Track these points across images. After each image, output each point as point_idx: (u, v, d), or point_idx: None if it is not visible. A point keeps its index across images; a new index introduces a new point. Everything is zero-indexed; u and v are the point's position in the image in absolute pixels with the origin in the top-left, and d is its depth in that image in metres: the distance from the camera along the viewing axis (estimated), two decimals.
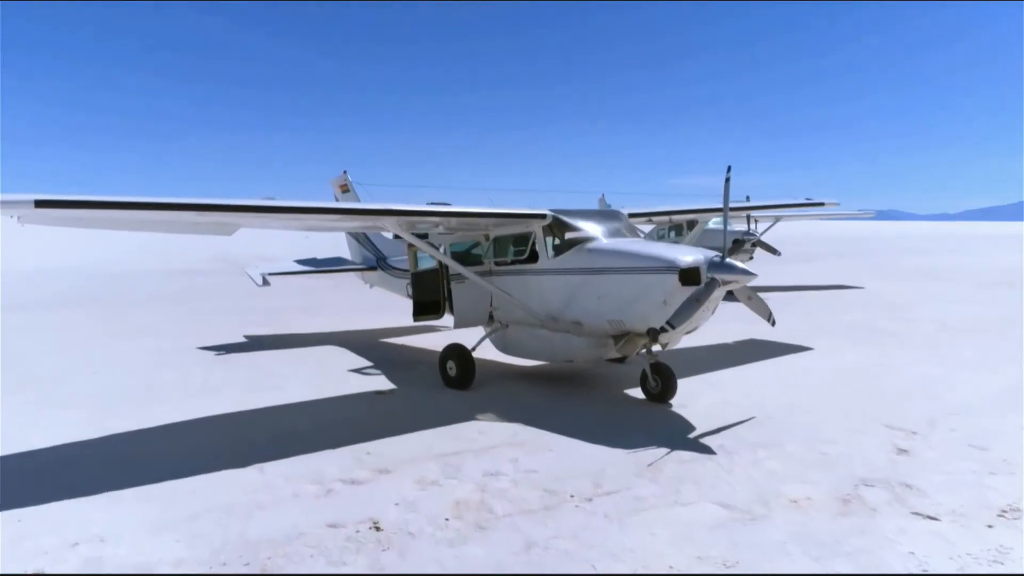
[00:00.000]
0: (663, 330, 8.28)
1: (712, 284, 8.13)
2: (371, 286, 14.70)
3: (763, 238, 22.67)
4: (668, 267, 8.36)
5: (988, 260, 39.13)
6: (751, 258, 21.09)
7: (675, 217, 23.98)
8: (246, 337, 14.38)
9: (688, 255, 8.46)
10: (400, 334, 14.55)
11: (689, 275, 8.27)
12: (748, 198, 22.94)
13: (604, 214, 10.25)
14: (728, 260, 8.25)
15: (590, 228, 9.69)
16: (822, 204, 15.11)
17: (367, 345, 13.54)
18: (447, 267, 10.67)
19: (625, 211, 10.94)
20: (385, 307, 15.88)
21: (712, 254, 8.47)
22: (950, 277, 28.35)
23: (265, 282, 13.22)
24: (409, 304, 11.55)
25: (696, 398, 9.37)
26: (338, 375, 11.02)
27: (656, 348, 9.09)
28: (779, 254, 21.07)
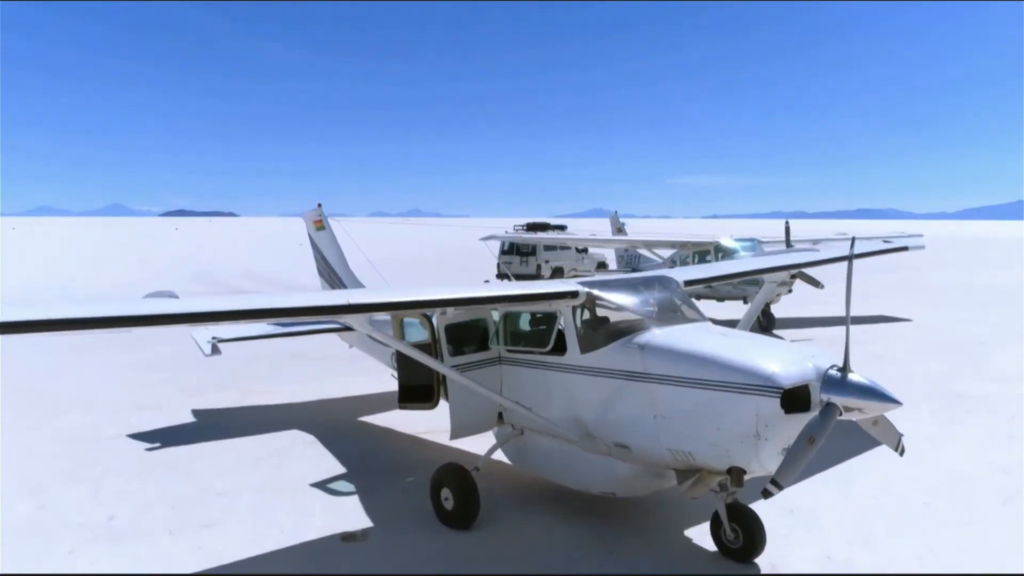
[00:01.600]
0: (766, 493, 5.56)
1: (830, 412, 5.47)
2: (350, 346, 11.98)
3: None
4: (763, 384, 5.65)
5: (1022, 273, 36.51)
6: (790, 291, 18.35)
7: (696, 240, 21.14)
8: (194, 413, 11.66)
9: (789, 362, 5.77)
10: (386, 406, 11.77)
11: (795, 398, 5.61)
12: (788, 224, 20.21)
13: (652, 284, 7.50)
14: (852, 377, 5.57)
15: (637, 308, 6.98)
16: (905, 249, 12.48)
17: (343, 427, 10.82)
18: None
19: (679, 276, 8.19)
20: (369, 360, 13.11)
21: (825, 360, 5.78)
22: (995, 298, 25.71)
23: (215, 350, 10.33)
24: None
25: (787, 550, 6.70)
26: (295, 493, 8.30)
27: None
28: (822, 287, 18.26)
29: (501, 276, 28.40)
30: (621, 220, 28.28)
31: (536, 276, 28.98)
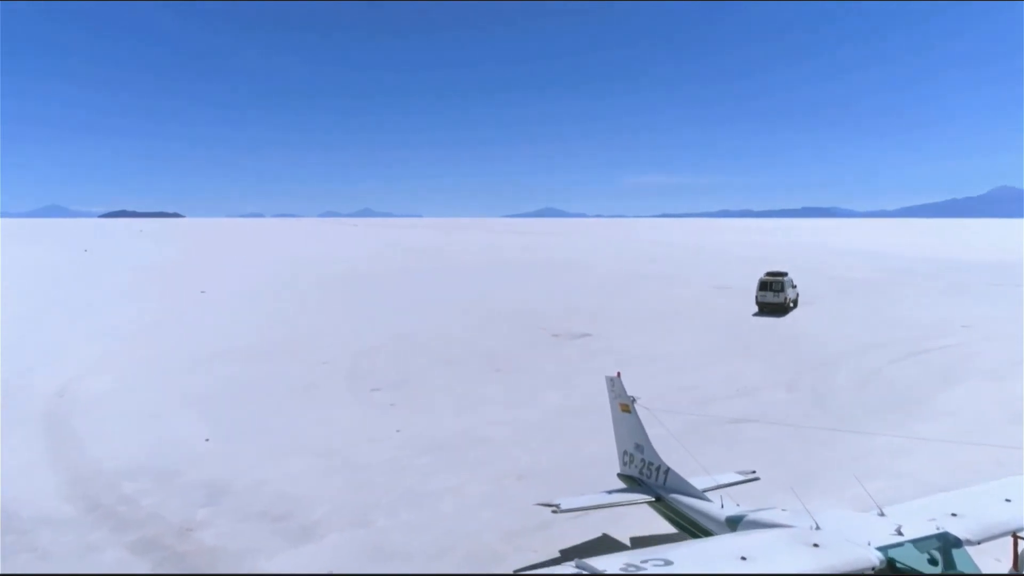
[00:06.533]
0: None
1: None
2: None
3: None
4: None
5: None
6: None
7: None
8: None
9: None
10: None
11: None
12: (1016, 540, 10.15)
13: None
14: None
15: None
16: None
17: None
18: None
19: None
20: None
21: None
22: None
23: None
24: None
25: None
26: None
27: None
28: None
29: (759, 304, 44.03)
30: (630, 395, 14.55)
31: (784, 304, 43.61)
